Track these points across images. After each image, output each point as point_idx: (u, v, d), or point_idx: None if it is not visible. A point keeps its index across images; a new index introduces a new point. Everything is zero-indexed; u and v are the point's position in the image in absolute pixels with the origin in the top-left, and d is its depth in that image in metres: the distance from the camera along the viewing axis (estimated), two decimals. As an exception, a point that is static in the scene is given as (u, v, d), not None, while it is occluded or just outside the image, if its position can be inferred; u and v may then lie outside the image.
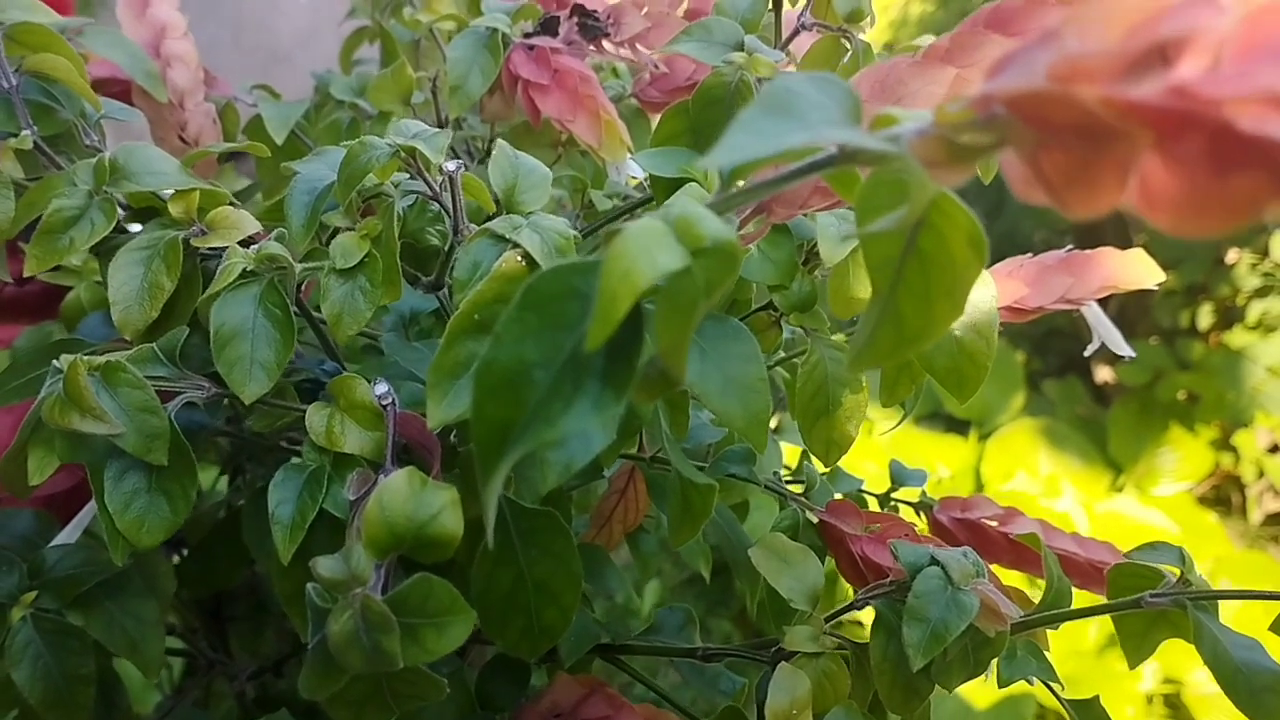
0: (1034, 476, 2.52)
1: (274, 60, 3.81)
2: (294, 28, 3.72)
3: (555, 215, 0.73)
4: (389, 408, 0.46)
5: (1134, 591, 0.55)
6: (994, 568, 0.60)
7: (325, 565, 0.38)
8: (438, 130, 0.48)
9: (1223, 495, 2.79)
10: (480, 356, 0.32)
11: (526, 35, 0.68)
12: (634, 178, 0.67)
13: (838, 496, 0.75)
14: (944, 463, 2.54)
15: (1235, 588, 2.19)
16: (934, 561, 0.50)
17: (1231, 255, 2.73)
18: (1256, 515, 2.68)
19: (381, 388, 0.46)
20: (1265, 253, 2.64)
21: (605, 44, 0.70)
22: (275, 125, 0.71)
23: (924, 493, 0.75)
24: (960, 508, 0.72)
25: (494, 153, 0.48)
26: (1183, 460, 2.68)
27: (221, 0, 3.68)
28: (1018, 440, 2.58)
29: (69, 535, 0.56)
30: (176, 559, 0.74)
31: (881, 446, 2.10)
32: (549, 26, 0.69)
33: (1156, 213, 0.23)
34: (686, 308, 0.30)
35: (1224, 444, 2.72)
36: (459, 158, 0.74)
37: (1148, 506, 2.46)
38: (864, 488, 0.77)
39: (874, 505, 0.77)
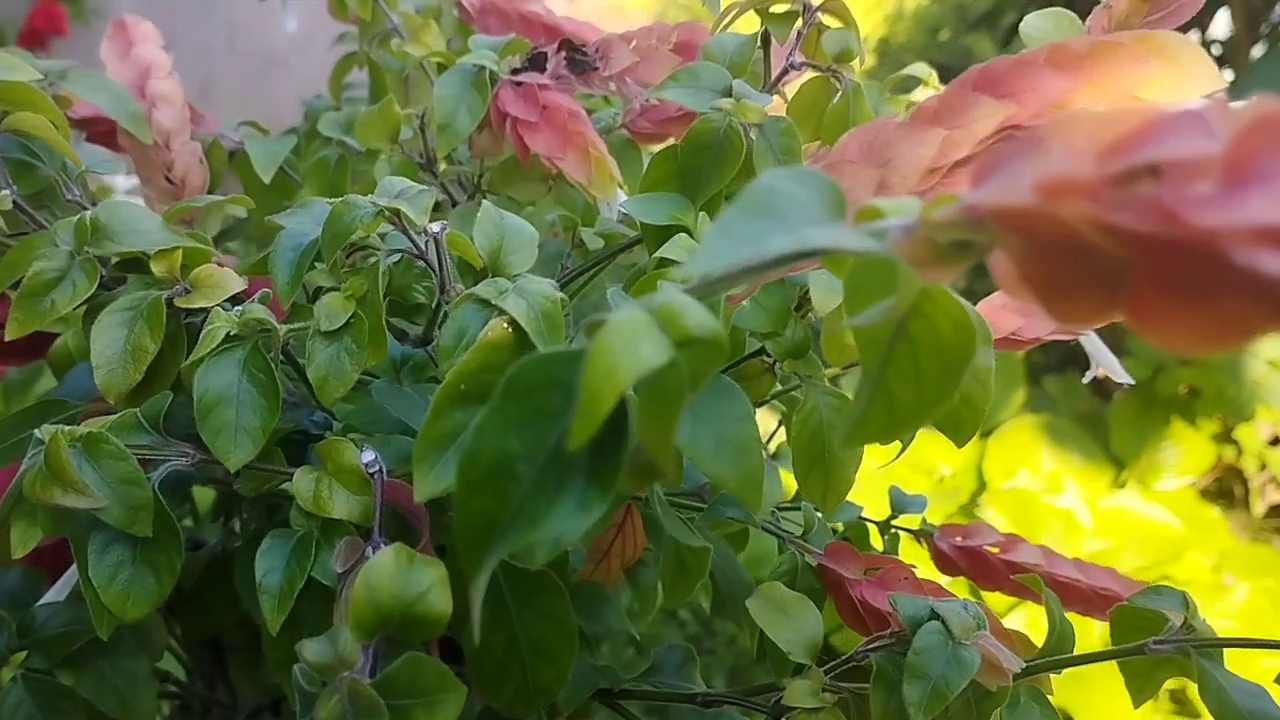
0: (1036, 473, 2.51)
1: (269, 65, 3.80)
2: (288, 33, 3.71)
3: (547, 243, 0.73)
4: (376, 476, 0.45)
5: (1138, 635, 0.55)
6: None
7: (312, 649, 0.38)
8: (422, 189, 0.47)
9: (1225, 488, 2.79)
10: (464, 445, 0.32)
11: (514, 71, 0.67)
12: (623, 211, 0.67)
13: (839, 526, 0.75)
14: (945, 461, 2.53)
15: (1240, 581, 2.18)
16: (934, 615, 0.50)
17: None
18: (1259, 508, 2.67)
19: (368, 456, 0.46)
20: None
21: (594, 78, 0.69)
22: (262, 164, 0.71)
23: (924, 520, 0.75)
24: (961, 535, 0.71)
25: (479, 214, 0.47)
26: (1185, 454, 2.67)
27: (216, 7, 3.68)
28: (1019, 437, 2.57)
29: (58, 593, 0.56)
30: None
31: (886, 455, 2.09)
32: (537, 62, 0.68)
33: (1146, 330, 0.23)
34: (672, 401, 0.30)
35: (1226, 437, 2.72)
36: (448, 194, 0.74)
37: (1151, 501, 2.45)
38: (864, 514, 0.76)
39: (875, 533, 0.76)
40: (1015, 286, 0.25)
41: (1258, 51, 2.78)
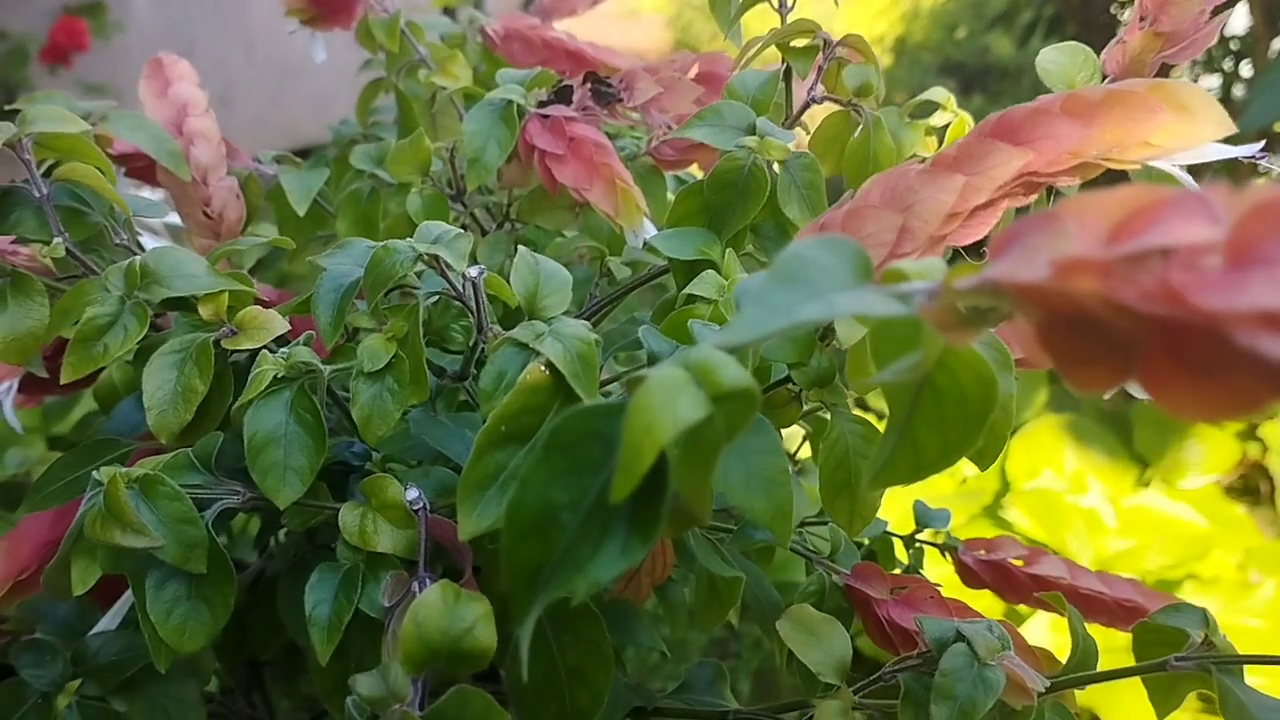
0: (1060, 473, 2.52)
1: (286, 74, 3.82)
2: (305, 42, 3.73)
3: (575, 267, 0.74)
4: (420, 512, 0.47)
5: (1159, 651, 0.56)
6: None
7: (365, 684, 0.39)
8: (459, 233, 0.49)
9: (1251, 485, 2.78)
10: (510, 495, 0.33)
11: (541, 104, 0.69)
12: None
13: (865, 540, 0.76)
14: (969, 462, 2.53)
15: (1266, 578, 2.18)
16: (960, 636, 0.51)
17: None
18: (1286, 505, 2.67)
19: (413, 493, 0.48)
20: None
21: (619, 109, 0.71)
22: (297, 198, 0.72)
23: (948, 533, 0.76)
24: (985, 548, 0.73)
25: (516, 259, 0.49)
26: (1209, 452, 2.67)
27: (232, 17, 3.71)
28: (1042, 437, 2.57)
29: (110, 621, 0.58)
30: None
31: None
32: (563, 95, 0.70)
33: (1159, 399, 0.24)
34: (708, 453, 0.31)
35: (1250, 434, 2.72)
36: (477, 223, 0.76)
37: (1175, 500, 2.45)
38: (889, 529, 0.78)
39: (900, 547, 0.77)
40: (1034, 352, 0.27)
41: (1277, 45, 2.78)
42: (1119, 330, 0.24)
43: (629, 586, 0.76)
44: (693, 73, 0.73)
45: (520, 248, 0.50)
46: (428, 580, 0.45)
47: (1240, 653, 0.56)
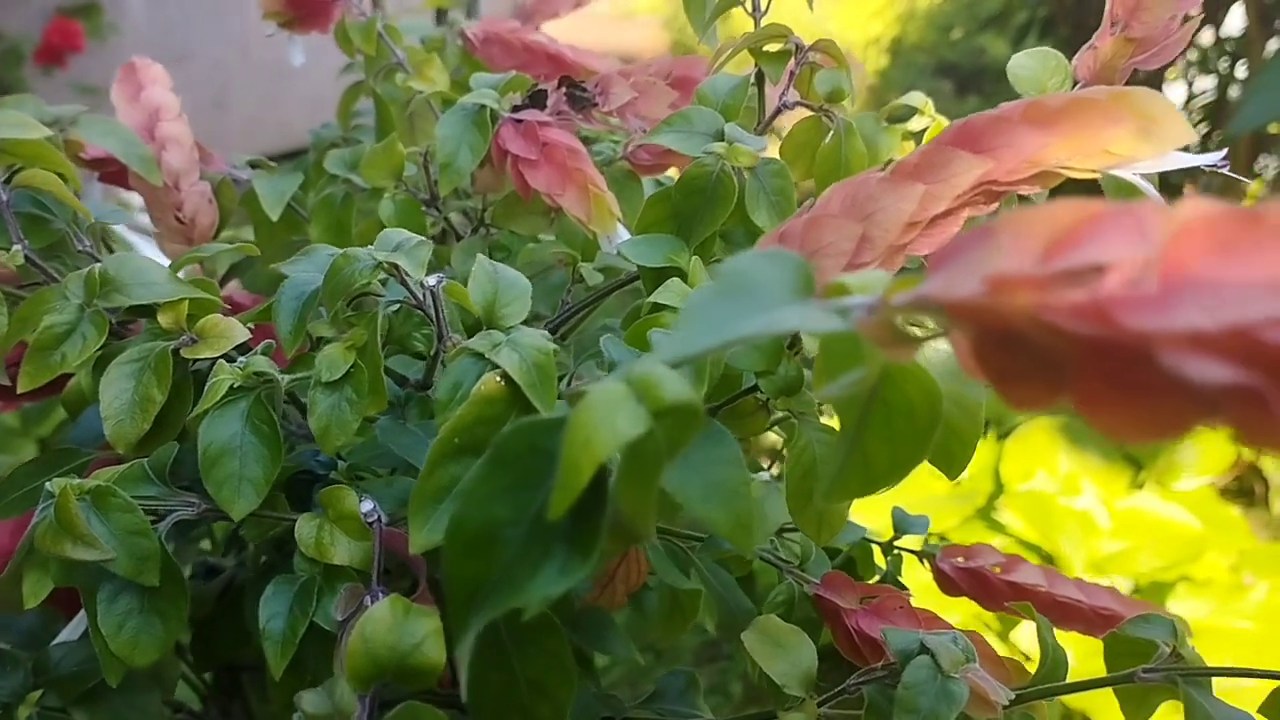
0: (1054, 475, 2.51)
1: (281, 75, 3.81)
2: (301, 42, 3.72)
3: (552, 273, 0.74)
4: (375, 525, 0.47)
5: (1130, 662, 0.56)
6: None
7: (310, 701, 0.39)
8: (420, 241, 0.49)
9: (1245, 487, 2.78)
10: (453, 512, 0.33)
11: (515, 109, 0.68)
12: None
13: (844, 548, 0.75)
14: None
15: (1259, 581, 2.17)
16: (924, 649, 0.51)
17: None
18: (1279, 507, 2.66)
19: (367, 505, 0.47)
20: None
21: (594, 114, 0.70)
22: (270, 202, 0.72)
23: (926, 540, 0.76)
24: (963, 556, 0.72)
25: (475, 267, 0.48)
26: (1203, 454, 2.66)
27: (228, 19, 3.70)
28: (1036, 439, 2.57)
29: (72, 632, 0.57)
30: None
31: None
32: (537, 99, 0.69)
33: (1091, 418, 0.24)
34: (649, 469, 0.31)
35: (1245, 436, 2.71)
36: (451, 228, 0.75)
37: (1169, 502, 2.45)
38: (868, 535, 0.77)
39: (878, 554, 0.77)
40: (970, 368, 0.26)
41: (1272, 47, 2.77)
42: (1050, 348, 0.23)
43: (603, 594, 0.75)
44: (669, 77, 0.73)
45: (479, 256, 0.49)
46: (380, 594, 0.44)
47: (1209, 663, 0.56)
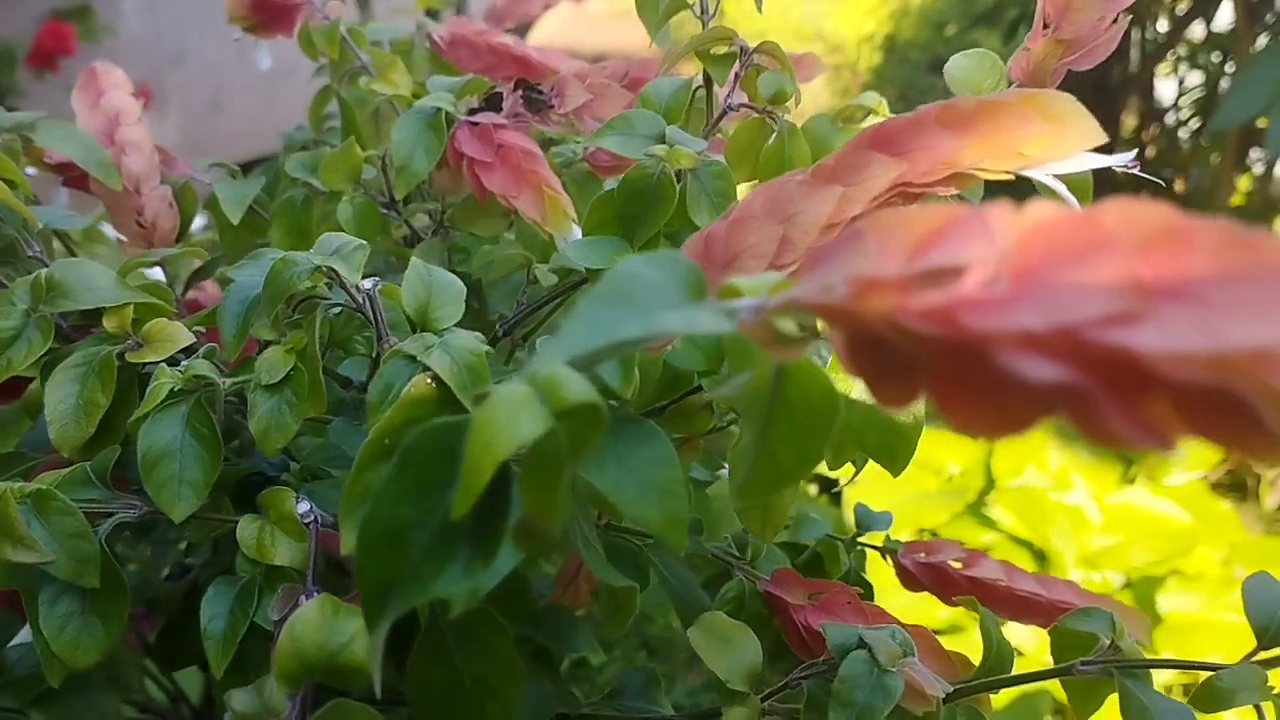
0: (1044, 471, 2.51)
1: (277, 75, 3.79)
2: (295, 45, 3.72)
3: (512, 275, 0.74)
4: (311, 526, 0.47)
5: (1074, 654, 0.56)
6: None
7: (240, 699, 0.40)
8: (358, 244, 0.49)
9: (1237, 481, 2.78)
10: (363, 514, 0.33)
11: (472, 111, 0.69)
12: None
13: (810, 544, 0.76)
14: (954, 459, 2.53)
15: (1251, 574, 2.18)
16: (861, 643, 0.51)
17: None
18: (1271, 500, 2.67)
19: (303, 506, 0.48)
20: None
21: (550, 116, 0.71)
22: (230, 206, 0.72)
23: (888, 536, 0.76)
24: (925, 551, 0.73)
25: (408, 270, 0.49)
26: (1194, 448, 2.66)
27: (223, 20, 3.69)
28: (1027, 435, 2.57)
29: (27, 634, 0.58)
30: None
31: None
32: (493, 102, 0.70)
33: (946, 416, 0.24)
34: (552, 469, 0.31)
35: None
36: (412, 231, 0.76)
37: (1160, 496, 2.45)
38: (831, 532, 0.78)
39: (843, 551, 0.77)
40: (846, 367, 0.27)
41: (1260, 43, 2.77)
42: (907, 349, 0.24)
43: (568, 591, 0.76)
44: (625, 79, 0.73)
45: (412, 259, 0.50)
46: (315, 594, 0.45)
47: (1204, 658, 0.56)
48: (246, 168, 0.82)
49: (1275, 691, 0.52)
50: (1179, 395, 0.20)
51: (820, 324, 0.27)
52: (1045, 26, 0.51)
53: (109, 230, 0.77)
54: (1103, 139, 0.39)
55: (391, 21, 0.96)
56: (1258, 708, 0.52)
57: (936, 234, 0.24)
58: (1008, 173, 0.40)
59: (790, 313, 0.27)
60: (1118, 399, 0.20)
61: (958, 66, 0.54)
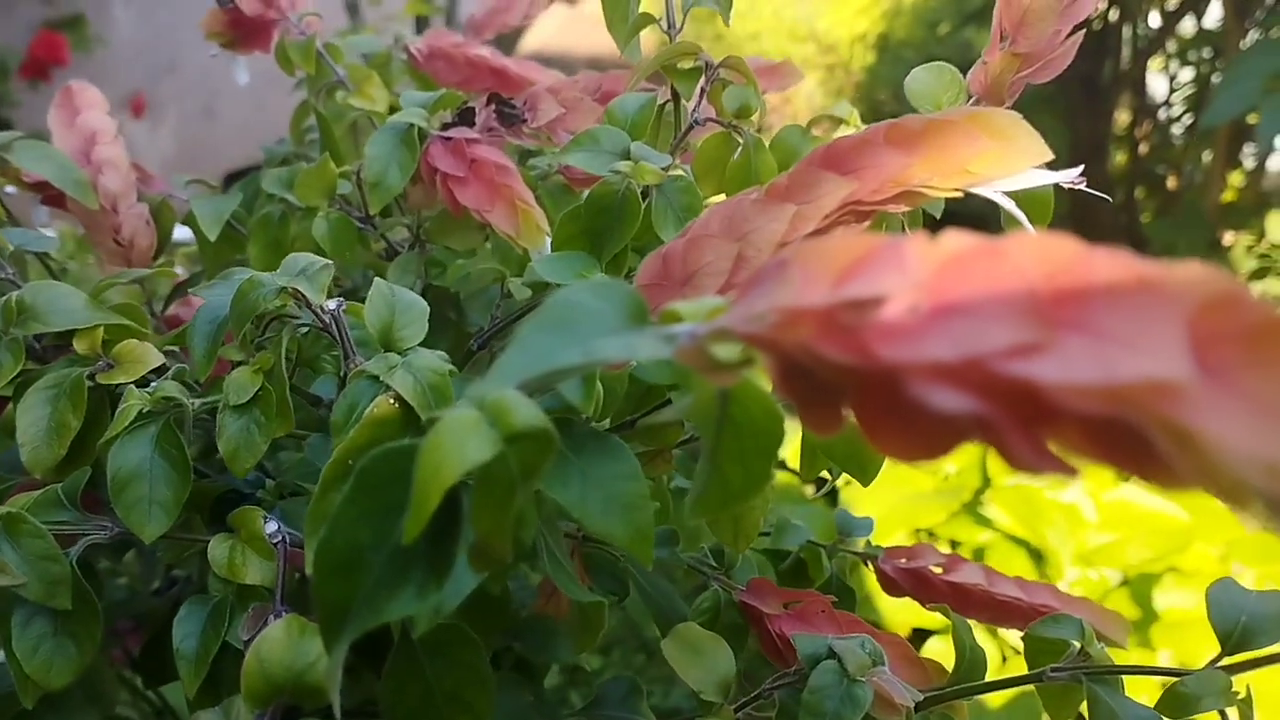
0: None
1: (270, 83, 3.80)
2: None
3: (488, 289, 0.75)
4: (279, 545, 0.48)
5: (1045, 660, 0.57)
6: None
7: (206, 719, 0.40)
8: (324, 264, 0.50)
9: (1234, 476, 2.78)
10: (320, 536, 0.34)
11: (445, 126, 0.69)
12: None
13: (793, 550, 0.76)
14: (950, 459, 2.54)
15: (1248, 570, 2.18)
16: (831, 653, 0.52)
17: (1228, 238, 2.72)
18: (1266, 496, 2.67)
19: (271, 526, 0.48)
20: (1262, 234, 2.64)
21: (522, 130, 0.72)
22: (207, 222, 0.73)
23: (868, 542, 0.77)
24: (905, 557, 0.73)
25: (370, 291, 0.49)
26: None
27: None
28: (1022, 433, 2.57)
29: (3, 655, 0.58)
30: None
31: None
32: (465, 117, 0.70)
33: (871, 441, 0.25)
34: (502, 493, 0.32)
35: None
36: (389, 244, 0.76)
37: (1156, 493, 2.45)
38: (813, 539, 0.78)
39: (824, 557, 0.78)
40: (777, 392, 0.28)
41: (1248, 40, 2.78)
42: (829, 377, 0.24)
43: (549, 602, 0.76)
44: (597, 93, 0.74)
45: (375, 279, 0.50)
46: (284, 613, 0.45)
47: (1200, 655, 0.57)
48: (241, 174, 0.83)
49: (1240, 696, 0.53)
50: (1080, 424, 0.21)
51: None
52: (1001, 39, 0.52)
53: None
54: (1048, 156, 0.39)
55: (383, 27, 0.97)
56: (1222, 713, 0.53)
57: (857, 264, 0.24)
58: (956, 190, 0.41)
59: (719, 339, 0.27)
60: (1022, 428, 0.21)
61: (917, 81, 0.54)
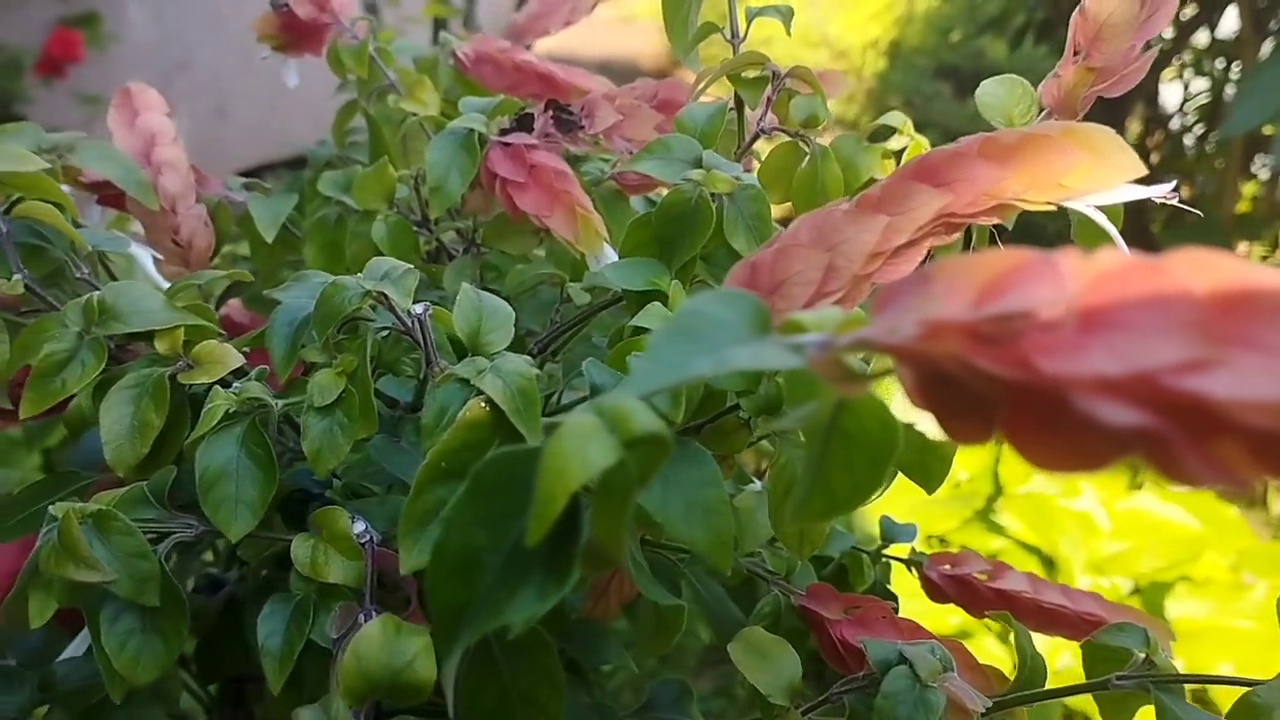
0: (1052, 477, 2.52)
1: (282, 83, 3.80)
2: (295, 64, 3.71)
3: (541, 291, 0.75)
4: (366, 545, 0.48)
5: (1106, 668, 0.58)
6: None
7: (308, 717, 0.41)
8: (407, 269, 0.50)
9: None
10: (436, 539, 0.35)
11: (503, 132, 0.70)
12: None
13: (835, 556, 0.77)
14: (962, 466, 2.54)
15: (1259, 580, 2.18)
16: (902, 659, 0.52)
17: (1241, 248, 2.73)
18: (1279, 506, 2.67)
19: (359, 526, 0.49)
20: (1275, 245, 2.64)
21: (580, 136, 0.72)
22: (265, 224, 0.74)
23: (914, 549, 0.77)
24: (950, 563, 0.74)
25: (459, 296, 0.50)
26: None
27: (229, 28, 3.70)
28: (1035, 441, 2.57)
29: (77, 648, 0.59)
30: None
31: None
32: (524, 123, 0.71)
33: (1020, 453, 0.25)
34: (621, 498, 0.32)
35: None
36: (444, 248, 0.77)
37: (1168, 502, 2.46)
38: (857, 545, 0.79)
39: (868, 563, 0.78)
40: (915, 403, 0.28)
41: (1266, 49, 2.79)
42: (981, 388, 0.25)
43: (597, 605, 0.77)
44: (654, 100, 0.74)
45: (464, 284, 0.51)
46: (373, 612, 0.46)
47: (1210, 663, 0.57)
48: (253, 174, 0.83)
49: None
50: (1251, 438, 0.21)
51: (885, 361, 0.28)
52: (1076, 54, 0.52)
53: (137, 250, 0.78)
54: (1142, 171, 0.40)
55: (403, 29, 0.97)
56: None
57: (1004, 277, 0.25)
58: (1049, 204, 0.41)
59: (857, 350, 0.28)
60: (1192, 442, 0.22)
61: (989, 94, 0.55)
